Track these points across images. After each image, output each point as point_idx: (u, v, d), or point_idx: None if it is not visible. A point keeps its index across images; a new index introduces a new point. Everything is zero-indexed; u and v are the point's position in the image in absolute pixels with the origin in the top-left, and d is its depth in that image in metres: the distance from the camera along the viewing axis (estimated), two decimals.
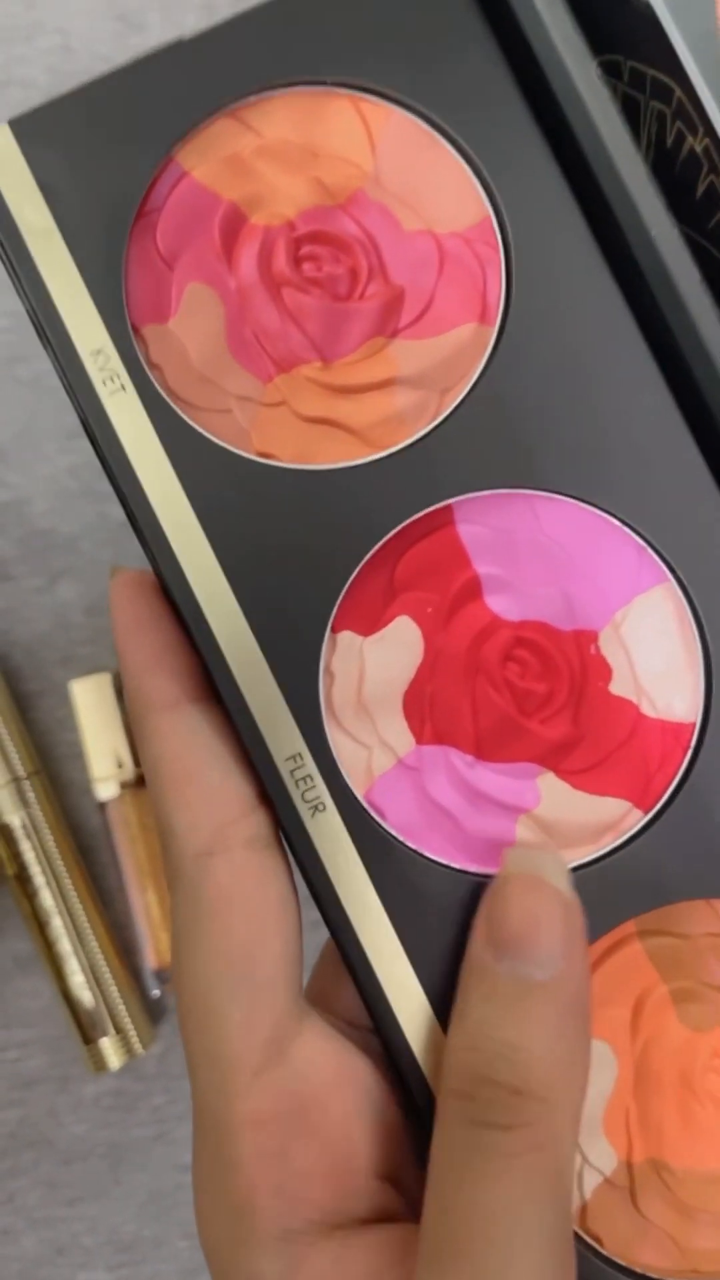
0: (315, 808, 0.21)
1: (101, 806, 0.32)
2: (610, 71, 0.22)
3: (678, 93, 0.21)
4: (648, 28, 0.20)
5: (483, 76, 0.22)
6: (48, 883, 0.32)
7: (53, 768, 0.33)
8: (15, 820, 0.32)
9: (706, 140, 0.21)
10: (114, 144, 0.21)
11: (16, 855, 0.32)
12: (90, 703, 0.32)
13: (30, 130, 0.21)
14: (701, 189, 0.21)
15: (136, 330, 0.21)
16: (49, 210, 0.21)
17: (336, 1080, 0.19)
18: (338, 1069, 0.19)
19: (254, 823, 0.20)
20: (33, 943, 0.33)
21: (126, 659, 0.21)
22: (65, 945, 0.32)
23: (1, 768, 0.31)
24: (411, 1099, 0.20)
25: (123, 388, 0.21)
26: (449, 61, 0.22)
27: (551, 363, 0.22)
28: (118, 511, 0.33)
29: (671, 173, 0.21)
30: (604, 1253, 0.21)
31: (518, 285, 0.22)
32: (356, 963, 0.21)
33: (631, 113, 0.22)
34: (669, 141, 0.21)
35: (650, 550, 0.22)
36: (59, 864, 0.32)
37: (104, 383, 0.21)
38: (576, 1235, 0.21)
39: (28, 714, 0.33)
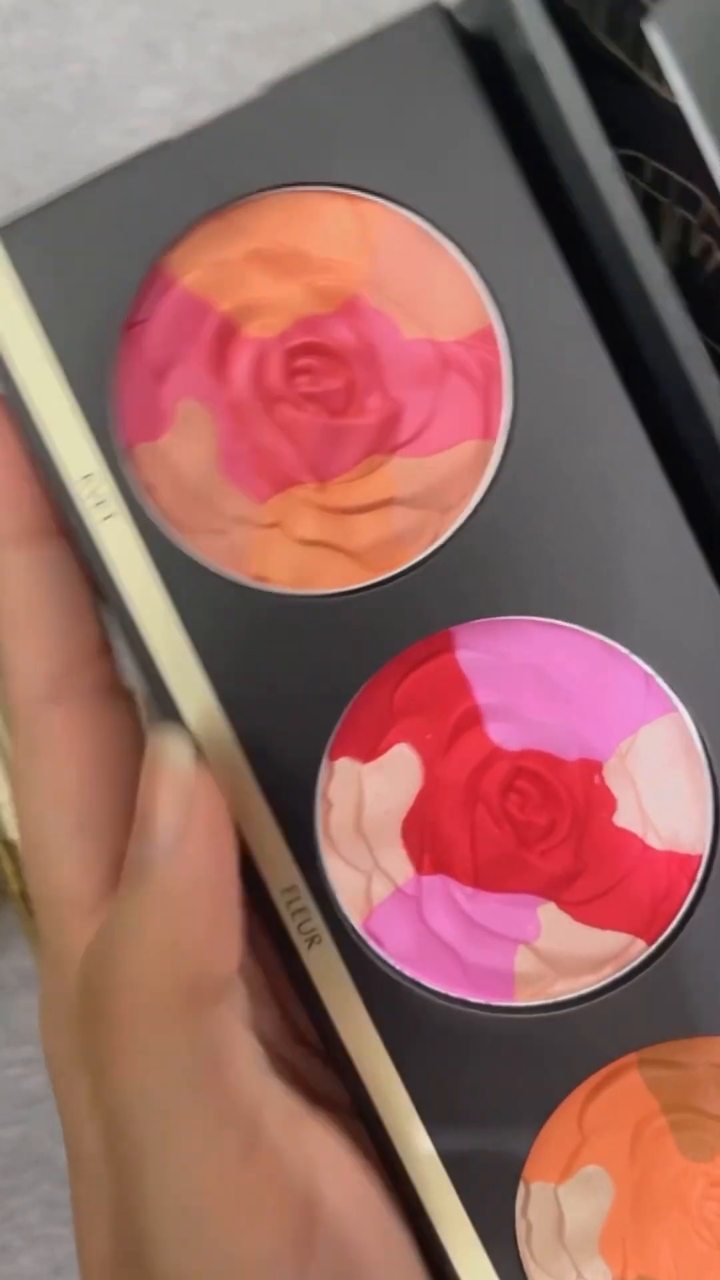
0: (311, 940, 0.21)
1: None
2: (630, 168, 0.20)
3: (707, 205, 0.19)
4: (676, 131, 0.19)
5: (488, 172, 0.20)
6: None
7: None
8: (19, 836, 0.32)
9: None
10: (102, 251, 0.20)
11: (20, 872, 0.32)
12: None
13: (19, 239, 0.20)
14: None
15: (129, 449, 0.21)
16: (39, 323, 0.20)
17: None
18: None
19: (97, 671, 0.20)
20: (36, 959, 0.33)
21: None
22: None
23: (6, 785, 0.31)
24: (413, 1221, 0.21)
25: (113, 514, 0.20)
26: (451, 158, 0.20)
27: (558, 482, 0.20)
28: None
29: (694, 283, 0.20)
30: None
31: (523, 398, 0.20)
32: (353, 1088, 0.21)
33: (651, 212, 0.20)
34: (694, 250, 0.20)
35: (658, 680, 0.21)
36: None
37: (95, 508, 0.20)
38: None
39: None
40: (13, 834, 0.32)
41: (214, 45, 0.30)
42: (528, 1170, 0.21)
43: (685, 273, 0.20)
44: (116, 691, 0.20)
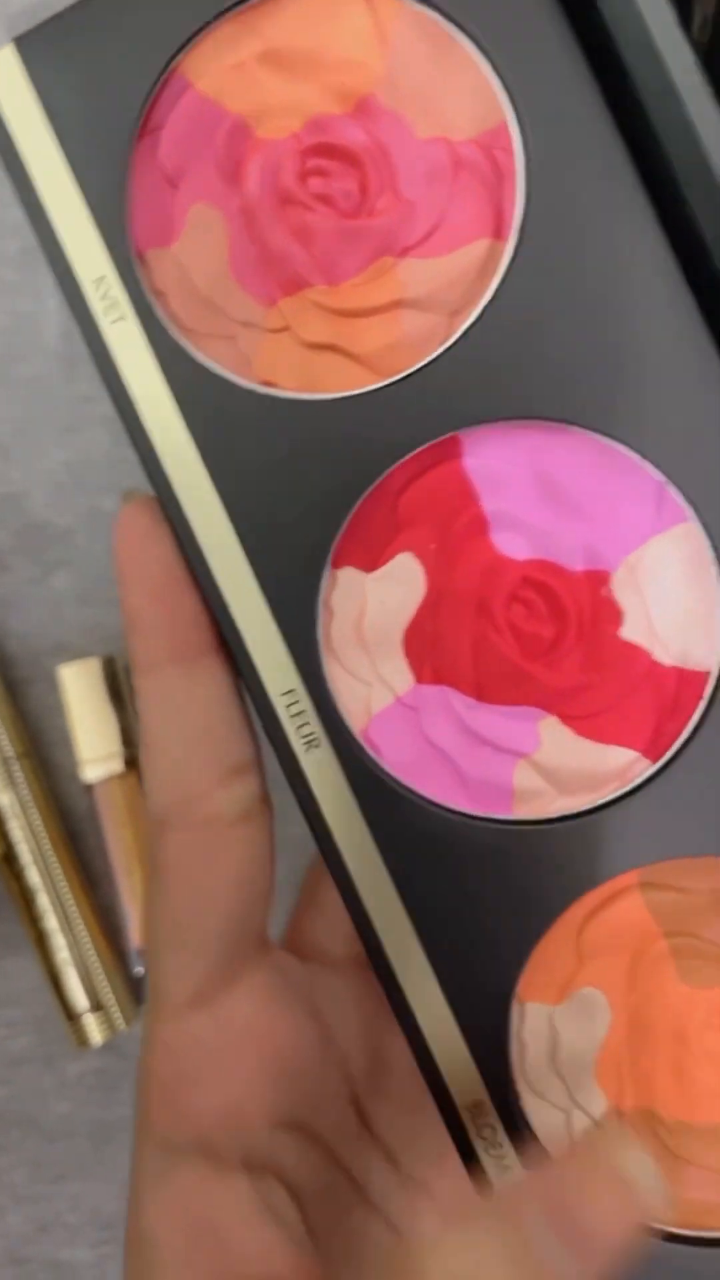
0: (310, 743, 0.21)
1: (89, 789, 0.32)
2: None
3: None
4: None
5: None
6: (35, 861, 0.32)
7: (42, 753, 0.33)
8: (3, 800, 0.32)
9: None
10: (117, 58, 0.20)
11: (4, 834, 0.32)
12: (78, 687, 0.32)
13: (35, 48, 0.20)
14: None
15: (140, 255, 0.21)
16: (52, 132, 0.20)
17: (249, 1036, 0.20)
18: (253, 1026, 0.21)
19: (218, 801, 0.20)
20: (19, 922, 0.33)
21: (123, 605, 0.20)
22: (51, 922, 0.32)
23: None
24: (393, 1004, 0.21)
25: (123, 317, 0.20)
26: None
27: (571, 284, 0.20)
28: (112, 505, 0.33)
29: None
30: None
31: (536, 198, 0.20)
32: (348, 898, 0.21)
33: None
34: None
35: (672, 487, 0.20)
36: (46, 843, 0.32)
37: (105, 312, 0.20)
38: None
39: (19, 701, 0.33)
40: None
41: None
42: (523, 990, 0.21)
43: (717, 50, 0.19)
44: (238, 818, 0.20)
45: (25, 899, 0.32)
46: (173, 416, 0.20)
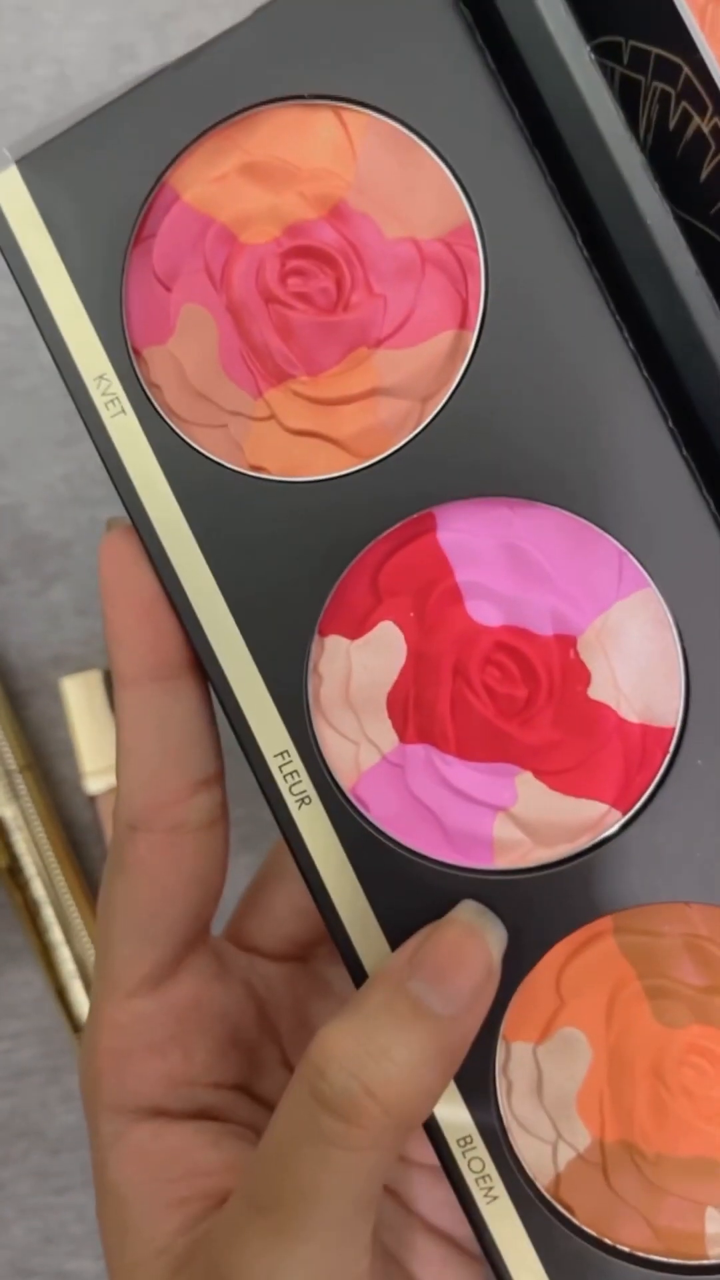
0: (302, 800, 0.22)
1: (92, 800, 0.33)
2: (607, 54, 0.21)
3: (685, 70, 0.19)
4: (655, 3, 0.19)
5: (463, 77, 0.21)
6: (39, 874, 0.32)
7: (45, 764, 0.34)
8: (7, 813, 0.32)
9: (716, 119, 0.19)
10: (111, 173, 0.22)
11: (8, 847, 0.33)
12: (80, 698, 0.32)
13: (35, 166, 0.22)
14: (707, 171, 0.20)
15: (137, 352, 0.22)
16: (53, 243, 0.22)
17: (192, 1011, 0.23)
18: (196, 1002, 0.23)
19: (186, 808, 0.22)
20: (24, 934, 0.34)
21: (107, 623, 0.22)
22: (56, 935, 0.32)
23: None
24: None
25: (123, 410, 0.22)
26: (428, 64, 0.21)
27: (532, 369, 0.21)
28: (109, 516, 0.34)
29: (672, 157, 0.20)
30: (576, 1222, 0.22)
31: (496, 289, 0.21)
32: (342, 945, 0.22)
33: (630, 96, 0.21)
34: (671, 123, 0.20)
35: (631, 557, 0.21)
36: (50, 856, 0.32)
37: (106, 406, 0.22)
38: (548, 1204, 0.22)
39: (20, 712, 0.34)
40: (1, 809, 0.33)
41: (180, 45, 0.32)
42: (507, 1030, 0.22)
43: (664, 149, 0.20)
44: (201, 826, 0.22)
45: (30, 911, 0.33)
46: (169, 499, 0.22)
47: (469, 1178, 0.22)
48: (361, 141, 0.22)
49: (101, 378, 0.22)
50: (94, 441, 0.22)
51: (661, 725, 0.21)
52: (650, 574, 0.21)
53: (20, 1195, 0.35)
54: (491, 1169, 0.22)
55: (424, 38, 0.21)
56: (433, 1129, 0.22)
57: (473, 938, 0.20)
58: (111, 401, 0.22)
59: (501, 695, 0.22)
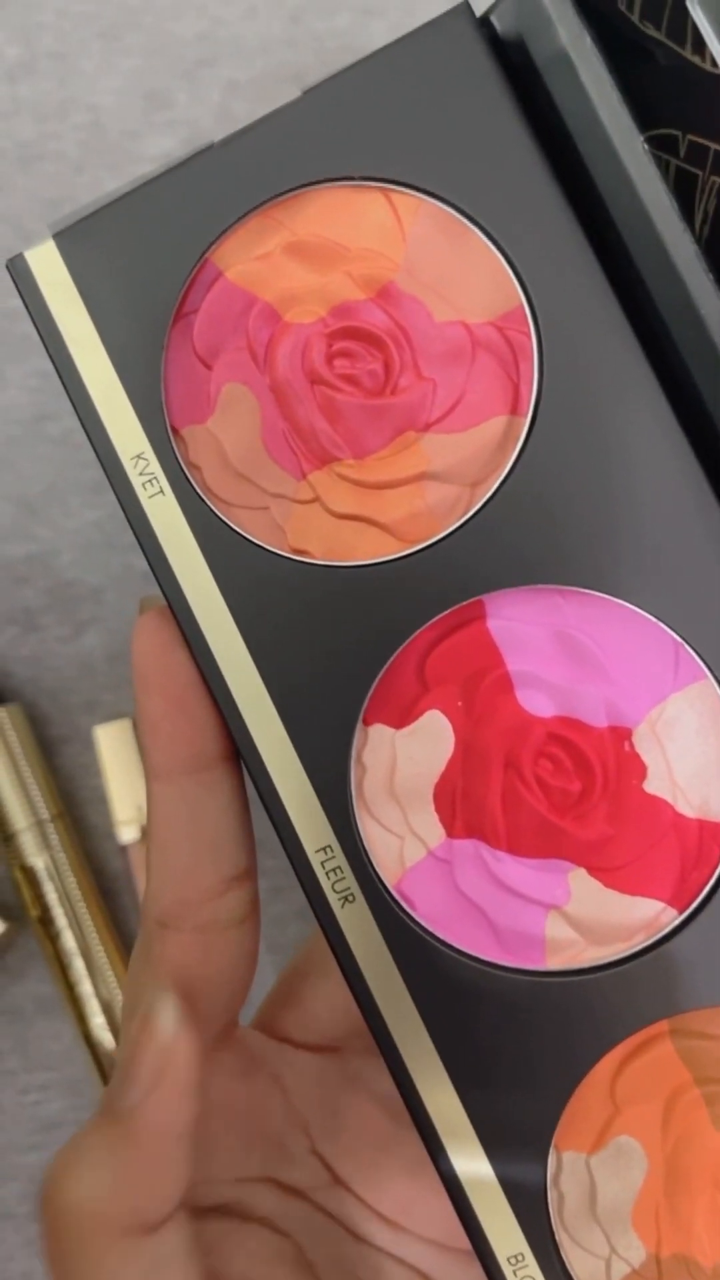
0: (345, 899, 0.21)
1: (123, 849, 0.32)
2: (663, 146, 0.20)
3: None
4: (713, 97, 0.19)
5: (515, 163, 0.21)
6: (70, 924, 0.32)
7: (76, 812, 0.33)
8: (39, 863, 0.32)
9: None
10: (151, 250, 0.21)
11: (40, 897, 0.32)
12: (114, 747, 0.32)
13: (72, 241, 0.21)
14: None
15: (176, 431, 0.22)
16: (90, 319, 0.21)
17: (216, 1114, 0.22)
18: (221, 1105, 0.22)
19: (217, 906, 0.21)
20: (54, 984, 0.33)
21: (140, 712, 0.21)
22: (86, 987, 0.32)
23: (25, 811, 0.32)
24: (436, 1163, 0.21)
25: (161, 491, 0.21)
26: (481, 149, 0.21)
27: (585, 456, 0.21)
28: (141, 563, 0.32)
29: None
30: None
31: (550, 376, 0.21)
32: (385, 1049, 0.21)
33: (686, 189, 0.21)
34: None
35: (687, 648, 0.21)
36: (81, 907, 0.32)
37: (143, 486, 0.21)
38: None
39: (52, 759, 0.33)
40: (31, 860, 0.32)
41: (213, 92, 0.32)
42: (559, 1139, 0.21)
43: (716, 244, 0.20)
44: (232, 924, 0.21)
45: (60, 962, 0.32)
46: (209, 582, 0.21)
47: None
48: (411, 224, 0.21)
49: (140, 457, 0.21)
50: (130, 523, 0.22)
51: (719, 820, 0.21)
52: (708, 665, 0.20)
53: None
54: None
55: (475, 121, 0.21)
56: (482, 1246, 0.21)
57: (141, 1024, 0.20)
58: (150, 481, 0.21)
59: (554, 788, 0.21)
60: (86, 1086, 0.34)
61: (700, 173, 0.20)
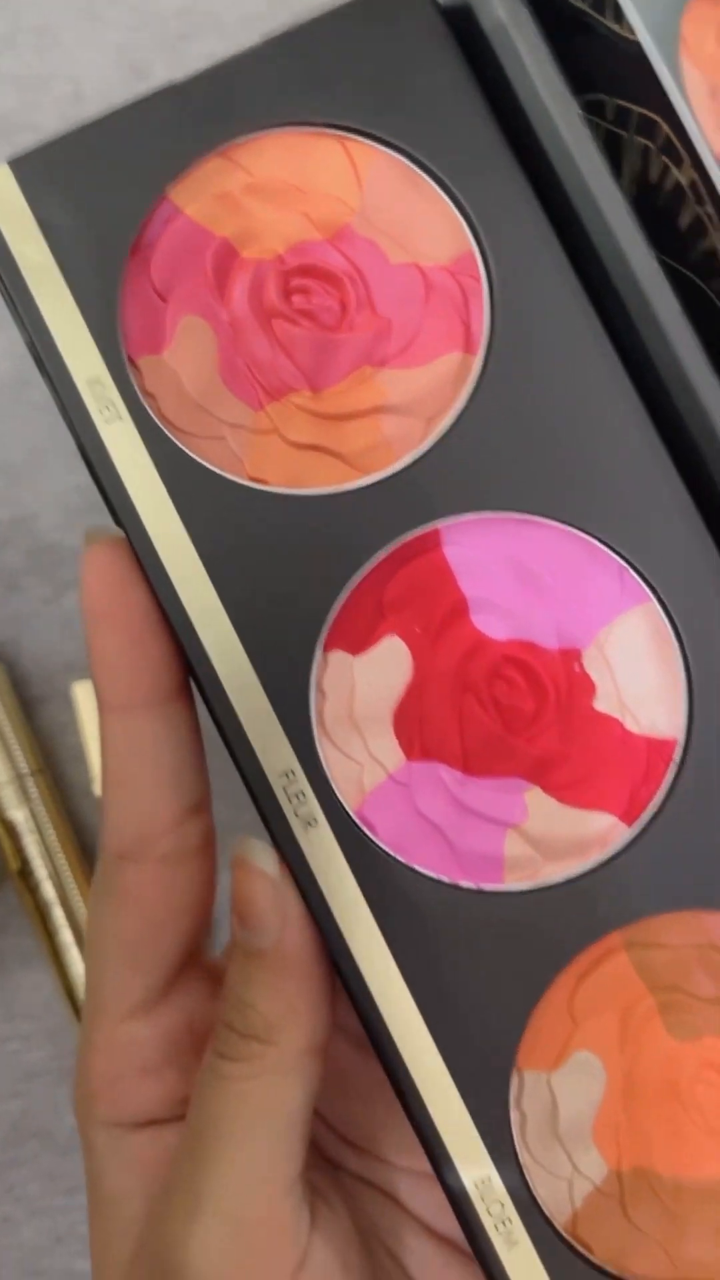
0: (308, 823, 0.21)
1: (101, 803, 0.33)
2: (594, 110, 0.22)
3: (664, 128, 0.21)
4: (635, 67, 0.21)
5: (466, 117, 0.22)
6: (49, 876, 0.32)
7: (56, 769, 0.34)
8: (19, 816, 0.32)
9: (693, 173, 0.21)
10: (110, 183, 0.22)
11: (19, 850, 0.33)
12: (92, 703, 0.33)
13: (30, 170, 0.21)
14: (686, 221, 0.22)
15: (132, 361, 0.22)
16: (48, 246, 0.21)
17: (185, 1035, 0.22)
18: (190, 1026, 0.22)
19: (178, 837, 0.21)
20: (35, 936, 0.33)
21: (90, 649, 0.21)
22: (66, 936, 0.32)
23: (5, 765, 0.32)
24: (398, 1089, 0.21)
25: (119, 416, 0.21)
26: (434, 104, 0.22)
27: (534, 391, 0.22)
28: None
29: (654, 206, 0.22)
30: (594, 1260, 0.21)
31: (501, 316, 0.22)
32: (347, 971, 0.21)
33: (614, 149, 0.22)
34: (653, 176, 0.22)
35: (631, 571, 0.22)
36: (60, 858, 0.32)
37: (100, 411, 0.21)
38: (566, 1243, 0.21)
39: (33, 719, 0.34)
40: (11, 813, 0.32)
41: (194, 66, 0.33)
42: (521, 1059, 0.21)
43: (647, 198, 0.22)
44: (192, 854, 0.22)
45: (40, 913, 0.32)
46: (167, 509, 0.21)
47: (488, 1223, 0.20)
48: (366, 171, 0.22)
49: (96, 382, 0.21)
50: (85, 450, 0.21)
51: (665, 737, 0.22)
52: (650, 587, 0.22)
53: (30, 1196, 0.34)
54: (512, 1212, 0.21)
55: (429, 77, 0.22)
56: (447, 1171, 0.20)
57: (243, 870, 0.20)
58: (106, 407, 0.21)
59: (509, 708, 0.21)
60: (67, 1036, 0.34)
61: (625, 134, 0.22)
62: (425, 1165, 0.21)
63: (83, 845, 0.34)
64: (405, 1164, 0.23)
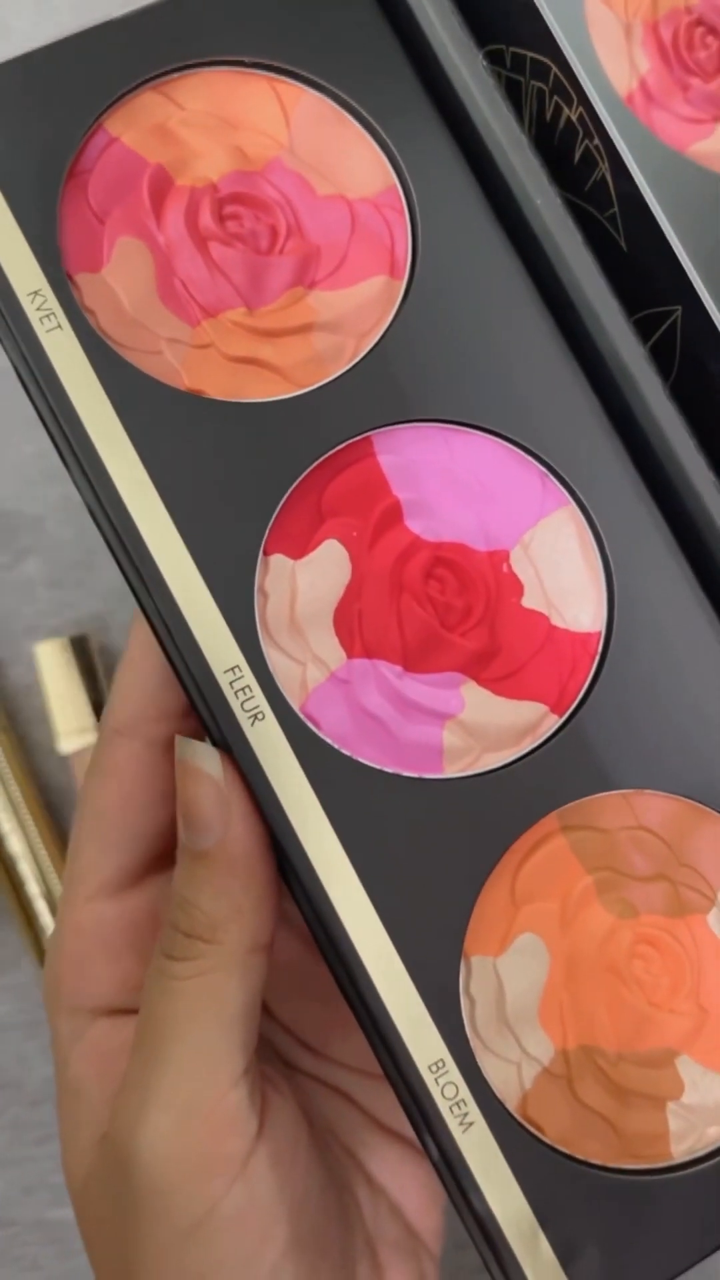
0: (255, 717, 0.21)
1: (67, 760, 0.34)
2: (495, 60, 0.24)
3: (554, 70, 0.23)
4: (526, 15, 0.23)
5: (385, 63, 0.24)
6: (15, 829, 0.33)
7: (20, 730, 0.34)
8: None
9: (581, 109, 0.23)
10: (47, 111, 0.22)
11: None
12: (53, 663, 0.33)
13: None
14: (578, 154, 0.23)
15: (70, 278, 0.22)
16: None
17: (148, 923, 0.23)
18: (153, 916, 0.23)
19: (169, 726, 0.22)
20: (1, 890, 0.33)
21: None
22: (32, 888, 0.33)
23: None
24: (339, 984, 0.21)
25: (60, 326, 0.22)
26: (356, 49, 0.24)
27: (455, 311, 0.23)
28: (78, 496, 0.35)
29: (552, 143, 0.24)
30: (546, 1140, 0.21)
31: (422, 243, 0.23)
32: (298, 862, 0.21)
33: (515, 94, 0.24)
34: (548, 115, 0.24)
35: (552, 476, 0.23)
36: (25, 813, 0.33)
37: (41, 321, 0.22)
38: (517, 1123, 0.21)
39: None
40: None
41: (60, 19, 0.34)
42: (468, 946, 0.21)
43: (544, 136, 0.24)
44: (171, 746, 0.22)
45: (6, 866, 0.32)
46: (110, 416, 0.21)
47: (443, 1106, 0.21)
48: (294, 110, 0.23)
49: (37, 293, 0.22)
50: (27, 360, 0.22)
51: (589, 631, 0.23)
52: (570, 491, 0.23)
53: None
54: (466, 1094, 0.21)
55: (352, 26, 0.23)
56: (400, 1055, 0.21)
57: (185, 771, 0.21)
58: (47, 317, 0.22)
59: (443, 605, 0.22)
60: (33, 990, 0.34)
61: (522, 79, 0.24)
62: (378, 1069, 0.21)
63: (48, 804, 0.34)
64: (360, 1066, 0.24)
